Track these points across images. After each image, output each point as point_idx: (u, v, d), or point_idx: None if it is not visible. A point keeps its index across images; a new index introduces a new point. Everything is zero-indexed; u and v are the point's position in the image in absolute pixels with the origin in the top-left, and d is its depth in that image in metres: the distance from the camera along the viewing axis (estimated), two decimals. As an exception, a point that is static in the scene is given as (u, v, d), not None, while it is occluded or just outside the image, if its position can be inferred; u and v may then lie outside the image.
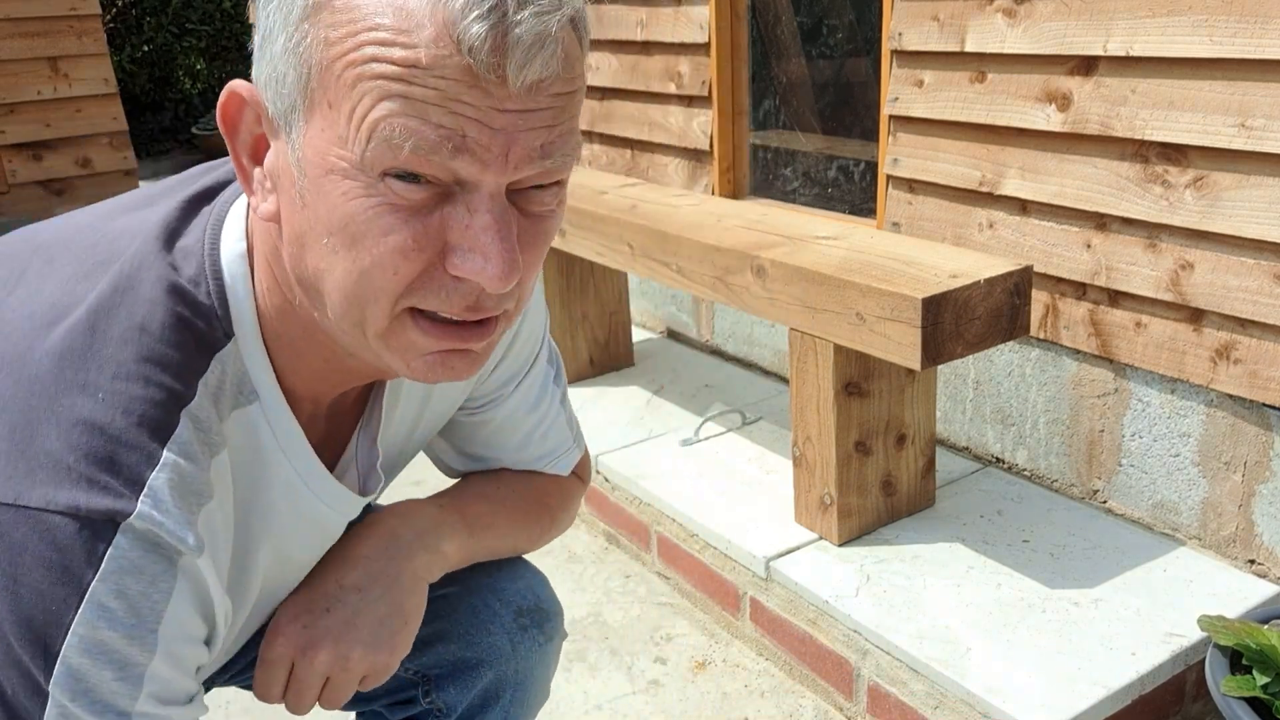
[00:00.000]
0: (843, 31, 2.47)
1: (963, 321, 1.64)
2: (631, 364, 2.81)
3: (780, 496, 2.08)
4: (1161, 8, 1.71)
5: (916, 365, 1.61)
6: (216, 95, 7.70)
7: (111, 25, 7.26)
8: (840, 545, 1.89)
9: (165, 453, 0.74)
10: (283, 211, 0.75)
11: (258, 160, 0.76)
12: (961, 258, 1.75)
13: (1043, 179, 1.97)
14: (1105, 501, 2.04)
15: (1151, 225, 1.83)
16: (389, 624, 0.97)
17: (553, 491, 1.20)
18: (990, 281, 1.65)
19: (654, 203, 2.32)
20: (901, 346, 1.62)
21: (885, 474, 1.91)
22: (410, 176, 0.68)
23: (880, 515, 1.94)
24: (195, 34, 7.62)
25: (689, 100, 2.79)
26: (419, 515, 1.06)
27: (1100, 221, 1.90)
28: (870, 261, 1.77)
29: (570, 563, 2.27)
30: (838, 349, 1.77)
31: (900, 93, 2.20)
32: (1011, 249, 2.06)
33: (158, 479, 0.73)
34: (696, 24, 2.68)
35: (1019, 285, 1.69)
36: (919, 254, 1.80)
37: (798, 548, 1.90)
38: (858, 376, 1.82)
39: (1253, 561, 1.82)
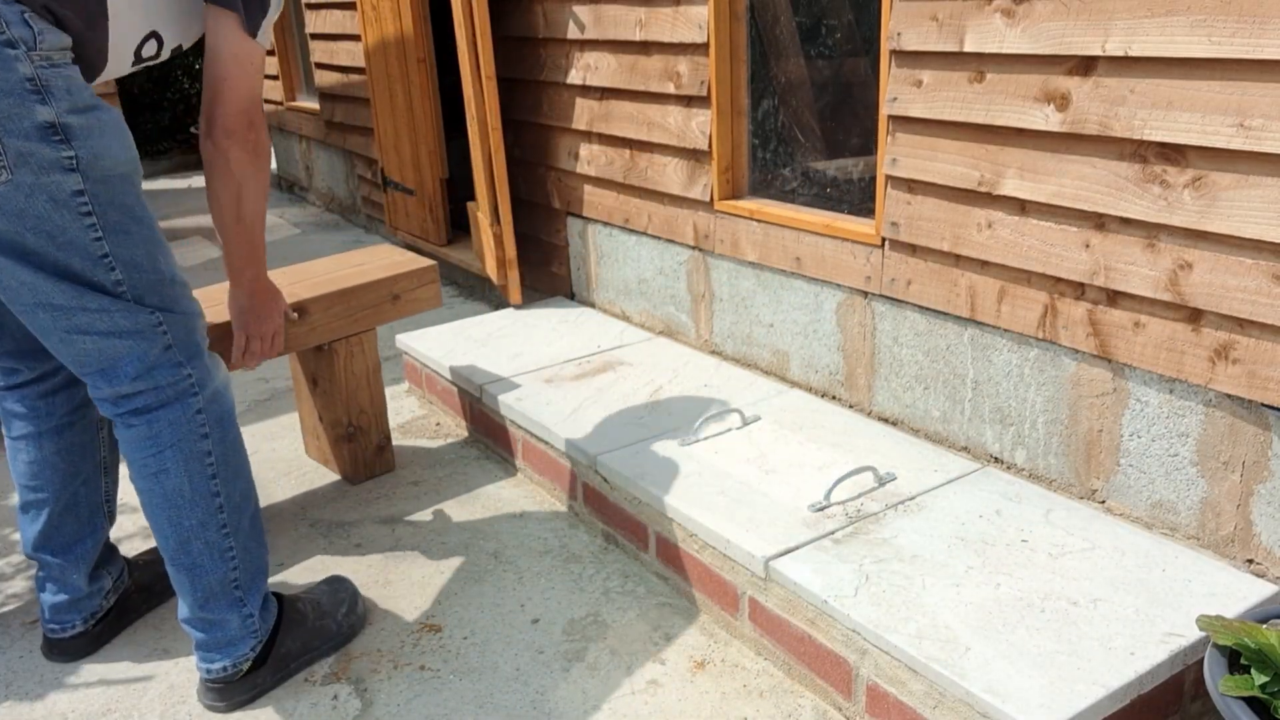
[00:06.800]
0: (842, 31, 2.47)
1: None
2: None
3: (780, 496, 2.08)
4: (1160, 8, 1.71)
5: (440, 303, 2.69)
6: (215, 95, 7.70)
7: (110, 25, 7.25)
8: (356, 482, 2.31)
9: None
10: None
11: None
12: (393, 254, 2.75)
13: (1041, 179, 1.97)
14: (1104, 501, 2.04)
15: (1150, 225, 1.83)
16: None
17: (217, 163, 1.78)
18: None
19: None
20: (430, 298, 2.65)
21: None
22: None
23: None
24: (194, 34, 7.61)
25: (688, 100, 2.79)
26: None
27: (1099, 221, 1.91)
28: (368, 267, 2.63)
29: (569, 563, 2.27)
30: (369, 333, 2.61)
31: (899, 93, 2.20)
32: (1010, 249, 2.06)
33: None
34: (695, 24, 2.68)
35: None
36: (379, 256, 2.74)
37: (797, 547, 1.90)
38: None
39: (1251, 561, 1.82)
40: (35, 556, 1.96)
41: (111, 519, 2.04)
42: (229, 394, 1.84)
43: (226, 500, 1.80)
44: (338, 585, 2.09)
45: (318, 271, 2.61)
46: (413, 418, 3.08)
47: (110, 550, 2.08)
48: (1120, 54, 1.78)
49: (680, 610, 2.09)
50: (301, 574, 2.27)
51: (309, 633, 1.96)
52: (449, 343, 3.11)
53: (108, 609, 2.06)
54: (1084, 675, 1.53)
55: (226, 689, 1.84)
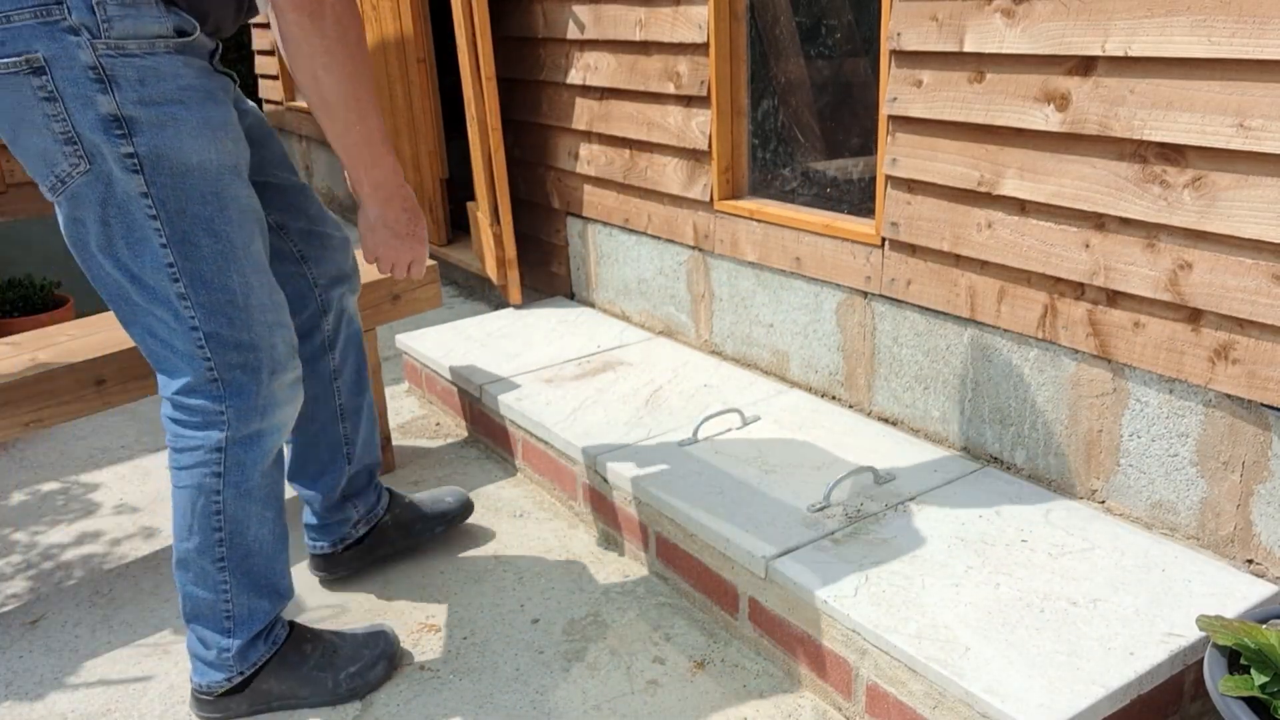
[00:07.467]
0: (841, 31, 2.47)
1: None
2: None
3: (780, 496, 2.08)
4: (1160, 8, 1.71)
5: (440, 303, 2.74)
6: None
7: (110, 25, 7.25)
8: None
9: None
10: None
11: None
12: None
13: (1041, 179, 1.97)
14: (1104, 501, 2.04)
15: (1150, 225, 1.83)
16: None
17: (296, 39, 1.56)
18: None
19: None
20: (430, 297, 2.72)
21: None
22: None
23: None
24: (194, 34, 7.60)
25: (688, 100, 2.79)
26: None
27: (1099, 221, 1.91)
28: (368, 267, 2.64)
29: (569, 563, 2.27)
30: (369, 333, 2.65)
31: (899, 93, 2.20)
32: (1010, 249, 2.06)
33: None
34: (695, 24, 2.68)
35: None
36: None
37: (797, 547, 1.90)
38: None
39: (1251, 561, 1.82)
40: (290, 484, 2.14)
41: (352, 460, 2.14)
42: (270, 443, 1.75)
43: (229, 539, 1.74)
44: (372, 640, 1.94)
45: None
46: (413, 418, 3.08)
47: (365, 483, 2.20)
48: (1120, 54, 1.78)
49: (680, 610, 2.09)
50: (301, 573, 2.27)
51: (298, 679, 1.84)
52: (449, 343, 3.11)
53: (359, 537, 2.21)
54: (1084, 675, 1.53)
55: (199, 701, 1.83)
